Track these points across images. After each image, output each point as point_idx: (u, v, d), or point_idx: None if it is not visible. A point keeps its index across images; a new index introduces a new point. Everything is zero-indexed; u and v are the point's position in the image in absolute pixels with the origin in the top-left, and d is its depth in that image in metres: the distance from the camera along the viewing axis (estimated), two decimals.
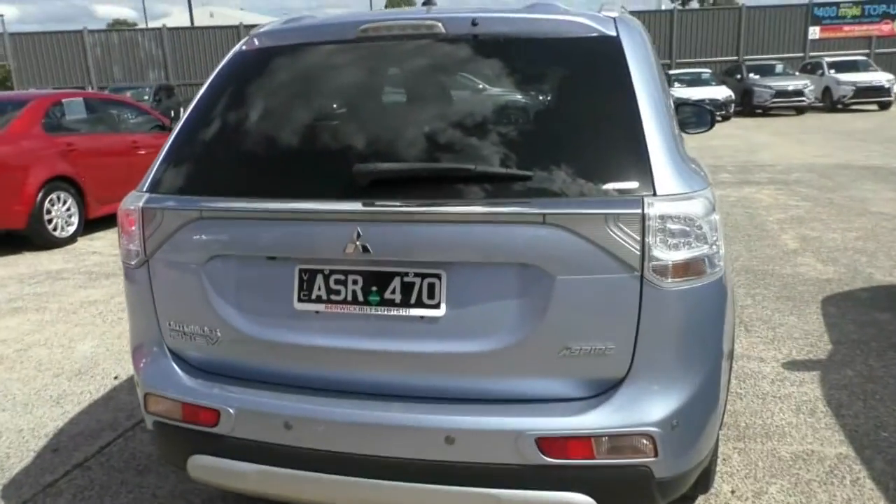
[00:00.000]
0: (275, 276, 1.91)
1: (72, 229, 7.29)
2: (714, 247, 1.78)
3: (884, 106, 21.55)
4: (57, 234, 7.11)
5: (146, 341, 2.12)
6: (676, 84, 20.86)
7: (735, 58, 25.60)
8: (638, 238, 1.69)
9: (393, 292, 1.82)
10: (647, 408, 1.75)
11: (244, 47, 2.24)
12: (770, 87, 21.39)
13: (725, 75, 23.65)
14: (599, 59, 1.92)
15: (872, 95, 21.33)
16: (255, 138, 2.03)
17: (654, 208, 1.69)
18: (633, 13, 2.22)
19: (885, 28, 25.70)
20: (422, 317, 1.80)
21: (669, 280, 1.72)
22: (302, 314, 1.89)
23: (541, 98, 2.03)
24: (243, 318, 1.94)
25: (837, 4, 25.68)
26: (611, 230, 1.69)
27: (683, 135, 2.72)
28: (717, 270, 1.81)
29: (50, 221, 7.03)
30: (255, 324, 1.93)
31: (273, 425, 1.87)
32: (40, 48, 25.50)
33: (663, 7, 35.69)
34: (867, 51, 25.26)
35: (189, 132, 2.11)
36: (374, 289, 1.83)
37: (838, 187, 8.76)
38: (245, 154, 2.02)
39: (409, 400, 1.83)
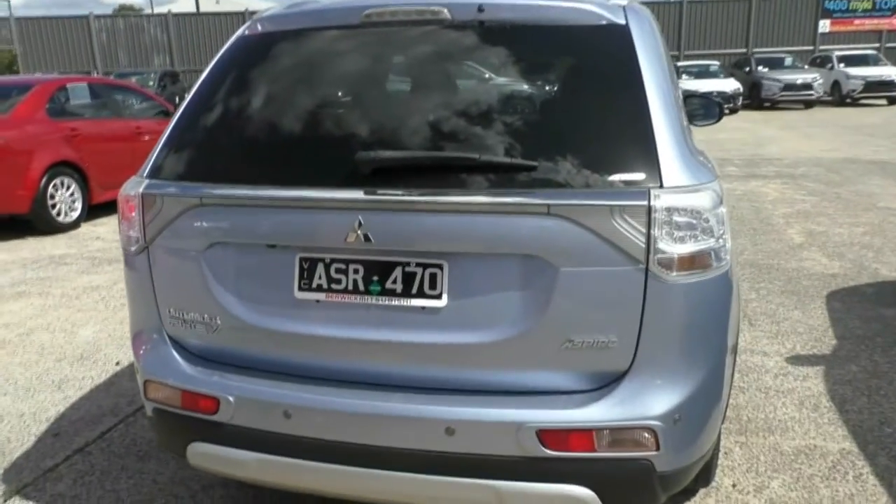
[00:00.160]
0: (275, 264, 1.89)
1: (75, 214, 7.29)
2: (720, 240, 1.76)
3: (893, 101, 21.39)
4: (60, 219, 7.12)
5: (146, 328, 2.11)
6: (684, 76, 20.73)
7: (744, 50, 25.42)
8: (644, 230, 1.67)
9: (394, 282, 1.80)
10: (649, 401, 1.73)
11: (246, 32, 2.21)
12: (779, 81, 21.25)
13: (734, 68, 23.50)
14: (608, 47, 1.89)
15: (882, 90, 21.17)
16: (257, 125, 2.01)
17: (661, 200, 1.67)
18: (642, 2, 2.18)
19: None
20: (423, 307, 1.79)
21: (675, 273, 1.69)
22: (302, 303, 1.87)
23: (547, 86, 2.01)
24: (243, 306, 1.92)
25: None
26: (616, 222, 1.66)
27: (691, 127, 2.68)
28: (723, 264, 1.78)
29: (53, 206, 7.03)
30: (255, 312, 1.91)
31: (272, 414, 1.86)
32: (46, 33, 25.48)
33: None
34: (877, 45, 25.05)
35: (190, 118, 2.09)
36: (375, 278, 1.82)
37: (845, 182, 8.70)
38: (246, 141, 2.00)
39: (409, 390, 1.82)
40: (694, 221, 1.70)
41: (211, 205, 1.92)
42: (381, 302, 1.81)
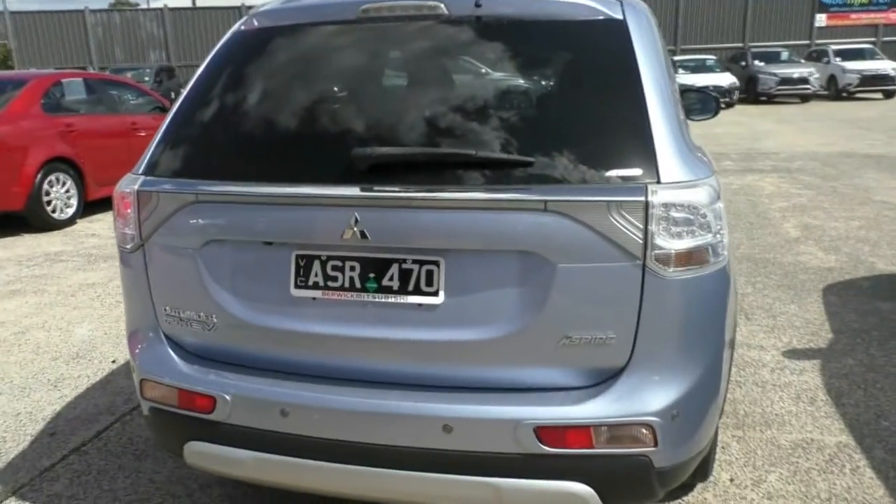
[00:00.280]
0: (271, 261, 1.88)
1: (71, 211, 7.27)
2: (718, 235, 1.76)
3: (889, 95, 21.41)
4: (56, 216, 7.09)
5: (142, 327, 2.10)
6: (681, 70, 20.71)
7: (740, 44, 25.41)
8: (641, 226, 1.66)
9: (391, 279, 1.80)
10: (647, 398, 1.73)
11: (242, 27, 2.20)
12: (775, 75, 21.24)
13: (730, 62, 23.48)
14: (605, 42, 1.88)
15: (878, 84, 21.18)
16: (253, 121, 2.00)
17: (658, 196, 1.66)
18: None
19: (893, 16, 25.47)
20: (420, 304, 1.78)
21: (672, 269, 1.69)
22: (299, 300, 1.86)
23: (544, 82, 2.00)
24: (240, 303, 1.91)
25: None
26: (613, 218, 1.66)
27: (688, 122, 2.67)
28: (720, 259, 1.78)
29: (49, 203, 7.01)
30: (251, 310, 1.91)
31: (269, 412, 1.86)
32: (41, 28, 25.35)
33: None
34: (874, 39, 25.04)
35: (186, 114, 2.07)
36: (371, 275, 1.81)
37: (841, 176, 8.71)
38: (242, 137, 1.98)
39: (406, 388, 1.82)
40: (691, 217, 1.70)
41: (207, 202, 1.91)
42: (377, 299, 1.81)
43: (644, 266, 1.68)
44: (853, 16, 25.66)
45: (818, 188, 8.00)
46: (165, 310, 2.02)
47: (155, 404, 2.05)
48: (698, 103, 3.92)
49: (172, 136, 2.06)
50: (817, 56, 22.96)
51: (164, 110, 8.60)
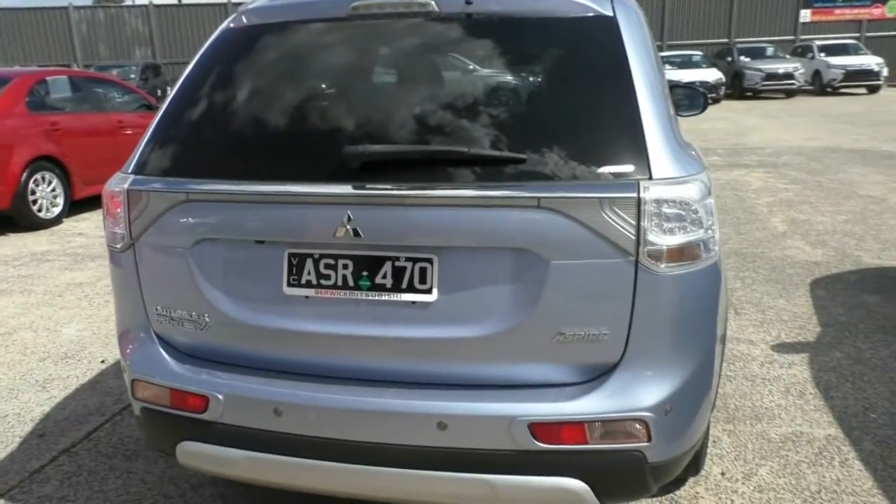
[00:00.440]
0: (264, 260, 1.88)
1: (57, 210, 7.20)
2: (709, 231, 1.77)
3: (873, 89, 21.62)
4: (42, 215, 7.02)
5: (133, 327, 2.08)
6: (667, 66, 20.77)
7: (726, 40, 25.53)
8: (633, 222, 1.67)
9: (384, 277, 1.79)
10: (640, 393, 1.74)
11: (232, 25, 2.18)
12: (760, 70, 21.40)
13: (716, 58, 23.62)
14: (595, 38, 1.89)
15: (862, 79, 21.39)
16: (243, 119, 1.99)
17: (650, 192, 1.67)
18: None
19: (876, 11, 25.68)
20: (413, 302, 1.78)
21: (664, 265, 1.70)
22: (291, 299, 1.86)
23: (535, 79, 2.00)
24: (232, 302, 1.90)
25: None
26: (606, 214, 1.66)
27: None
28: (711, 255, 1.79)
29: (34, 202, 6.93)
30: (243, 309, 1.90)
31: (263, 411, 1.85)
32: (24, 24, 25.02)
33: None
34: (857, 34, 25.25)
35: (175, 112, 2.06)
36: (364, 273, 1.80)
37: (827, 170, 8.79)
38: (233, 135, 1.97)
39: (400, 386, 1.82)
40: (683, 213, 1.71)
41: (198, 200, 1.90)
42: (370, 297, 1.80)
43: (637, 262, 1.69)
44: (837, 11, 25.85)
45: (804, 183, 8.07)
46: (157, 309, 2.01)
47: (147, 404, 2.03)
48: (686, 99, 3.94)
49: (162, 134, 2.05)
50: (802, 51, 23.15)
51: (151, 108, 8.54)
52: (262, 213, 1.85)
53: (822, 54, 22.16)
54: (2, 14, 25.13)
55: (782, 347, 3.65)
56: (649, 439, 1.74)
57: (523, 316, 1.73)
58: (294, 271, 1.85)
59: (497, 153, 1.74)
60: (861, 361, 3.44)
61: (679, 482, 2.44)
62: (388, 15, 1.99)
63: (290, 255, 1.85)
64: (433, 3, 1.93)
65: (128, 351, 2.10)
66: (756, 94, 21.62)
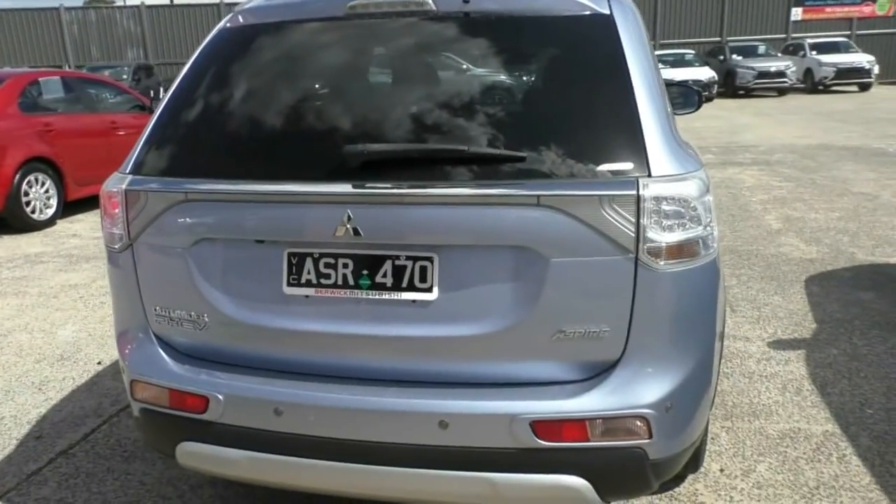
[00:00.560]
0: (263, 259, 1.87)
1: (50, 212, 7.15)
2: (708, 228, 1.77)
3: (864, 87, 21.73)
4: (35, 216, 6.98)
5: (131, 327, 2.08)
6: (660, 65, 20.85)
7: (718, 39, 25.62)
8: (633, 220, 1.67)
9: (384, 276, 1.79)
10: (641, 390, 1.74)
11: (228, 24, 2.17)
12: (752, 69, 21.48)
13: (709, 56, 23.69)
14: (593, 37, 1.89)
15: (853, 77, 21.49)
16: (242, 119, 1.98)
17: (649, 189, 1.68)
18: None
19: (867, 10, 25.82)
20: (414, 300, 1.78)
21: (664, 262, 1.70)
22: (291, 298, 1.85)
23: (534, 78, 2.00)
24: (231, 302, 1.90)
25: None
26: (605, 212, 1.67)
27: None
28: (710, 252, 1.80)
29: (28, 204, 6.89)
30: (243, 308, 1.89)
31: (263, 411, 1.84)
32: (15, 25, 24.88)
33: None
34: (848, 32, 25.37)
35: (172, 112, 2.05)
36: (364, 272, 1.80)
37: (820, 168, 8.83)
38: (231, 135, 1.96)
39: (401, 385, 1.81)
40: (682, 210, 1.71)
41: (197, 200, 1.89)
42: (371, 296, 1.80)
43: (636, 259, 1.69)
44: (828, 9, 25.97)
45: (798, 180, 8.10)
46: (155, 310, 2.00)
47: (146, 405, 2.02)
48: (681, 97, 3.95)
49: (159, 134, 2.04)
50: (793, 50, 23.24)
51: (144, 109, 8.50)
52: (261, 212, 1.85)
53: (814, 52, 22.27)
54: None
55: (778, 344, 3.66)
56: (650, 436, 1.74)
57: (524, 314, 1.73)
58: (294, 271, 1.85)
59: (496, 151, 1.74)
60: (857, 358, 3.46)
61: (679, 479, 2.45)
62: (386, 14, 1.99)
63: (290, 255, 1.85)
64: (430, 2, 1.93)
65: (126, 352, 2.09)
66: (748, 93, 21.70)
